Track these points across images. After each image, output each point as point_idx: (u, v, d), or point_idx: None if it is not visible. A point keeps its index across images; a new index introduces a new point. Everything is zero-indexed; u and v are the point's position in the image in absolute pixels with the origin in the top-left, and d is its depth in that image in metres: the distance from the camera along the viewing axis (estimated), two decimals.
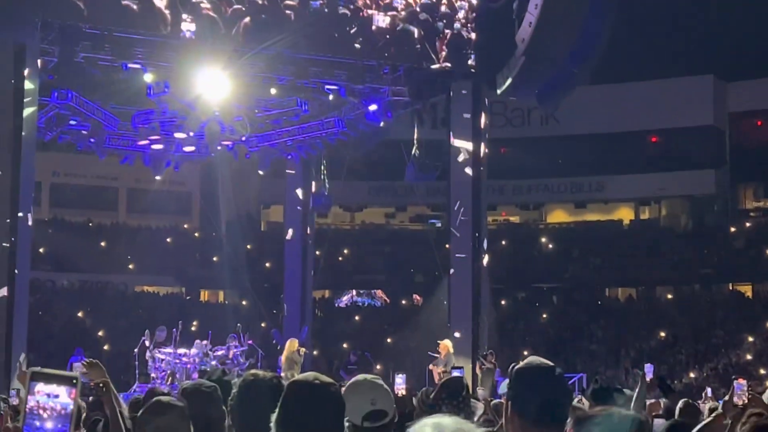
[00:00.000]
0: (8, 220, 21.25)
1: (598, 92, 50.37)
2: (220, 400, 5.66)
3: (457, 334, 26.16)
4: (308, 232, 34.28)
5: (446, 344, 25.43)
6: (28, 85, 21.67)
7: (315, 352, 33.49)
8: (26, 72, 21.68)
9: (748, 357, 40.33)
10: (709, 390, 21.07)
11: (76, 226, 52.99)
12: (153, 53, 23.91)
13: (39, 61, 22.39)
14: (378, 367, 30.95)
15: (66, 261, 48.30)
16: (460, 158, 26.31)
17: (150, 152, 31.61)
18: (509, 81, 25.10)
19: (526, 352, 40.73)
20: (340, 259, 52.28)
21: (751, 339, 41.49)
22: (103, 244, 52.01)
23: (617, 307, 48.53)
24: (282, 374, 24.24)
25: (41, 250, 44.65)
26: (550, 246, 53.12)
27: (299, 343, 27.38)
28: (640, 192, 54.97)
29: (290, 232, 34.58)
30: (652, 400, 10.72)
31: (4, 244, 21.13)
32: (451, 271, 26.73)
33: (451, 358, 25.59)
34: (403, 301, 50.09)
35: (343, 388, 4.85)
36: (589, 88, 45.22)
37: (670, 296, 49.00)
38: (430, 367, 25.45)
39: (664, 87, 52.48)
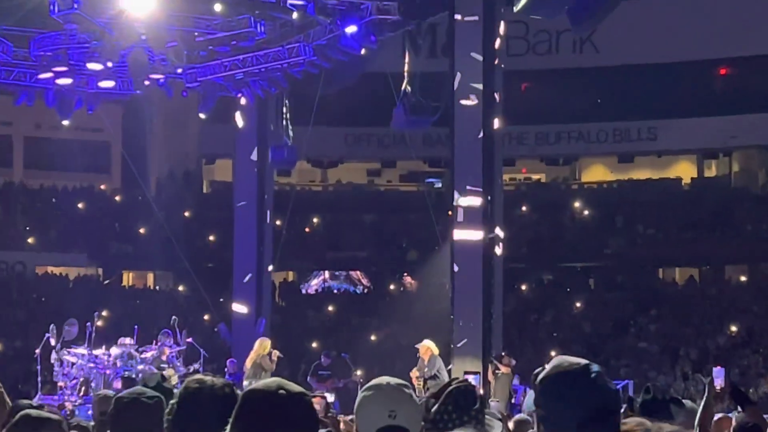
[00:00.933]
0: None
1: (649, 8, 50.24)
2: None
3: (462, 329, 26.24)
4: (265, 195, 34.26)
5: (427, 345, 25.63)
6: None
7: (275, 353, 33.54)
8: None
9: None
10: None
11: None
12: None
13: None
14: (358, 372, 30.97)
15: None
16: (467, 98, 26.30)
17: (55, 89, 31.52)
18: None
19: (553, 353, 40.90)
20: (308, 230, 52.35)
21: None
22: None
23: (674, 293, 48.66)
24: (244, 383, 24.40)
25: None
26: (586, 213, 53.19)
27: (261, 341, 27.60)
28: (704, 141, 54.93)
29: (241, 197, 34.61)
30: (721, 415, 10.80)
31: None
32: (455, 245, 26.76)
33: (436, 361, 25.74)
34: (391, 286, 50.21)
35: (360, 393, 4.84)
36: (637, 3, 45.17)
37: (743, 278, 49.16)
38: (411, 374, 25.65)
39: (737, 1, 52.40)
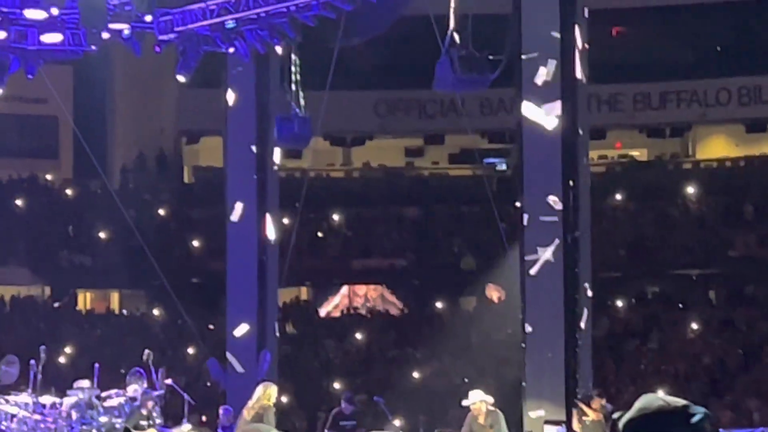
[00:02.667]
0: None
1: None
2: None
3: (536, 362, 26.33)
4: (268, 184, 34.42)
5: (481, 400, 25.86)
6: None
7: (284, 399, 33.72)
8: None
9: None
10: None
11: None
12: None
13: None
14: (396, 422, 31.10)
15: None
16: (539, 48, 26.38)
17: None
18: None
19: (661, 392, 40.91)
20: (326, 232, 52.54)
21: None
22: None
23: None
24: None
25: None
26: (703, 201, 53.20)
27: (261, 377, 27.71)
28: None
29: (235, 187, 34.77)
30: None
31: None
32: (525, 249, 26.85)
33: (499, 419, 25.90)
34: (439, 304, 50.25)
35: None
36: None
37: None
38: None
39: None
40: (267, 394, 26.74)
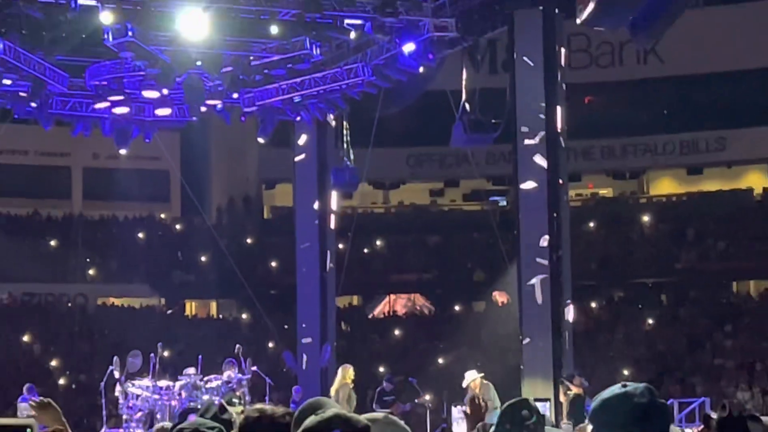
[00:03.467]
0: None
1: (714, 17, 50.06)
2: None
3: (531, 351, 26.17)
4: (327, 219, 34.30)
5: (474, 381, 25.72)
6: None
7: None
8: None
9: None
10: None
11: (17, 221, 53.38)
12: None
13: None
14: (427, 397, 30.97)
15: (5, 268, 48.62)
16: (529, 110, 26.27)
17: (111, 118, 31.75)
18: (592, 5, 25.01)
19: (626, 372, 40.70)
20: (372, 253, 52.40)
21: None
22: (53, 243, 52.41)
23: (749, 307, 48.25)
24: None
25: None
26: (656, 227, 52.94)
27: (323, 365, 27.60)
28: None
29: (302, 221, 34.63)
30: None
31: None
32: (521, 264, 26.71)
33: (489, 389, 25.72)
34: (457, 307, 50.12)
35: None
36: (700, 12, 44.99)
37: None
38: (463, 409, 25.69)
39: None
40: (343, 375, 26.64)
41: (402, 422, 4.77)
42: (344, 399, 25.96)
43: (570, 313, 27.43)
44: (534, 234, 26.44)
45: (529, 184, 26.47)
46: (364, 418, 4.49)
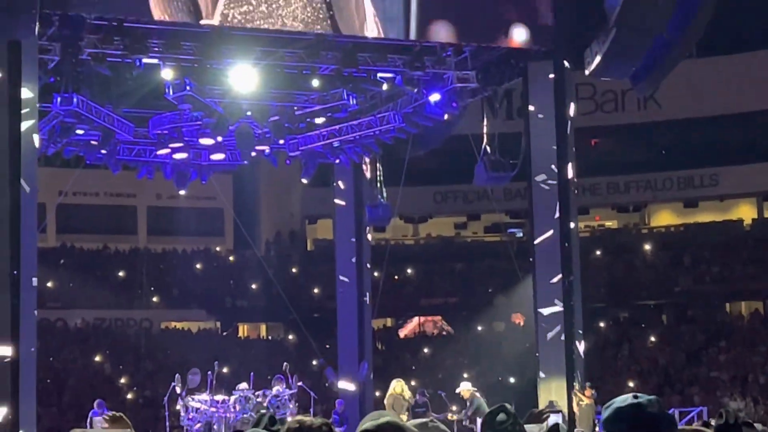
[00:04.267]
0: (9, 251, 21.41)
1: (706, 67, 49.94)
2: None
3: (546, 365, 26.03)
4: (363, 250, 34.25)
5: (466, 389, 25.83)
6: (26, 93, 21.72)
7: (377, 393, 33.47)
8: (23, 75, 21.73)
9: None
10: None
11: (89, 255, 53.54)
12: (171, 45, 24.12)
13: (38, 60, 22.56)
14: (453, 407, 30.84)
15: (78, 296, 48.78)
16: (542, 152, 26.20)
17: (172, 163, 31.85)
18: (598, 58, 24.95)
19: (631, 383, 40.48)
20: (403, 280, 52.30)
21: None
22: (121, 274, 52.51)
23: (741, 325, 48.01)
24: None
25: (49, 284, 45.12)
26: (656, 254, 52.73)
27: (361, 380, 27.47)
28: (763, 185, 54.25)
29: (341, 252, 34.57)
30: None
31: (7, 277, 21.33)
32: (537, 287, 26.61)
33: (477, 401, 25.70)
34: (479, 327, 49.95)
35: None
36: (694, 63, 44.95)
37: None
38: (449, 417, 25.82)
39: None
40: (398, 386, 26.51)
41: (444, 426, 4.77)
42: (389, 406, 25.86)
43: (581, 331, 27.27)
44: (548, 262, 26.32)
45: (542, 219, 26.38)
46: (411, 424, 4.50)
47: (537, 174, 26.27)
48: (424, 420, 4.73)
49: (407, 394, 27.23)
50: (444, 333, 52.94)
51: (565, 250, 26.17)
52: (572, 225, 26.78)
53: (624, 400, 4.13)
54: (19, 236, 21.42)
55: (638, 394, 4.15)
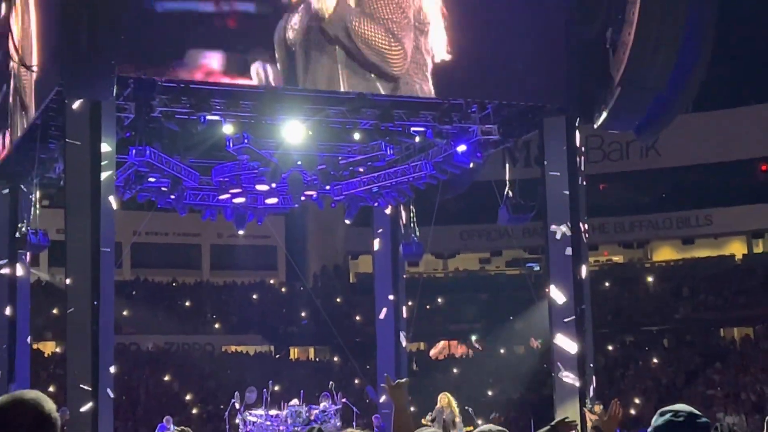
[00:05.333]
0: (90, 284, 21.51)
1: (701, 120, 49.88)
2: None
3: (561, 384, 25.85)
4: (399, 282, 34.17)
5: (445, 396, 25.64)
6: (105, 147, 21.88)
7: (413, 408, 33.32)
8: (103, 132, 21.89)
9: None
10: None
11: (160, 287, 53.78)
12: (231, 104, 24.24)
13: (115, 118, 22.70)
14: (479, 421, 30.68)
15: (150, 323, 48.97)
16: (557, 197, 26.11)
17: (232, 206, 31.95)
18: (605, 114, 24.89)
19: (637, 400, 40.20)
20: (434, 308, 52.22)
21: None
22: (187, 303, 52.70)
23: (734, 348, 47.66)
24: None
25: (124, 312, 45.31)
26: (658, 286, 52.52)
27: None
28: (752, 224, 54.12)
29: (380, 284, 34.52)
30: None
31: (87, 307, 21.40)
32: (552, 314, 26.45)
33: (443, 411, 25.49)
34: (502, 350, 49.77)
35: None
36: (690, 116, 44.91)
37: None
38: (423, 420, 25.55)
39: None
40: (440, 400, 26.31)
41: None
42: (440, 420, 25.66)
43: (592, 354, 27.05)
44: (562, 293, 26.19)
45: (557, 254, 26.25)
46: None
47: (552, 215, 26.13)
48: (485, 427, 4.70)
49: (454, 407, 26.87)
50: (470, 355, 52.71)
51: (577, 282, 26.01)
52: (583, 260, 26.64)
53: (665, 416, 4.04)
54: (100, 271, 21.53)
55: (674, 409, 4.07)
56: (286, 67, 23.11)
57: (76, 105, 21.82)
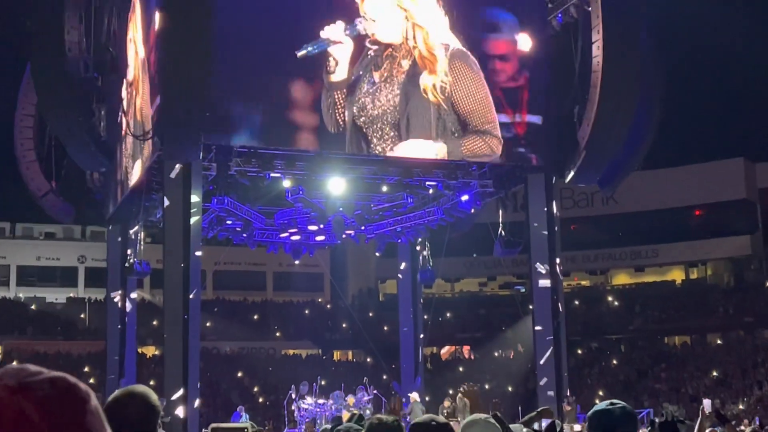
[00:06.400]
0: (182, 302, 21.65)
1: (649, 176, 49.74)
2: None
3: (542, 380, 25.65)
4: (417, 301, 34.10)
5: (413, 396, 25.47)
6: (194, 197, 22.10)
7: (427, 398, 33.11)
8: (192, 186, 22.11)
9: None
10: (757, 419, 20.22)
11: (234, 304, 53.81)
12: (289, 165, 24.39)
13: (201, 175, 22.90)
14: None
15: (227, 332, 48.98)
16: (539, 235, 26.07)
17: (290, 242, 32.04)
18: (574, 172, 24.90)
19: (601, 393, 39.80)
20: (444, 321, 52.04)
21: None
22: (255, 317, 52.71)
23: (675, 352, 47.25)
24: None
25: (208, 324, 45.37)
26: (616, 303, 52.22)
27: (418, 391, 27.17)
28: (688, 256, 53.88)
29: (403, 303, 34.39)
30: (710, 430, 10.35)
31: (183, 318, 21.53)
32: (536, 327, 26.32)
33: (416, 406, 25.24)
34: (496, 354, 49.45)
35: (458, 427, 4.68)
36: (641, 173, 44.74)
37: (719, 342, 47.56)
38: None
39: (703, 169, 51.86)
40: (459, 395, 26.05)
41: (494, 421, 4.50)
42: (462, 408, 25.43)
43: (564, 357, 26.84)
44: (542, 309, 26.05)
45: (539, 280, 26.14)
46: (467, 421, 4.37)
47: (535, 248, 26.01)
48: (481, 415, 4.52)
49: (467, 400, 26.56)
50: (472, 357, 52.42)
51: (554, 300, 25.91)
52: (558, 283, 26.50)
53: (604, 404, 4.05)
54: (189, 292, 21.65)
55: (614, 401, 4.07)
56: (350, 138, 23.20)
57: (172, 166, 22.06)
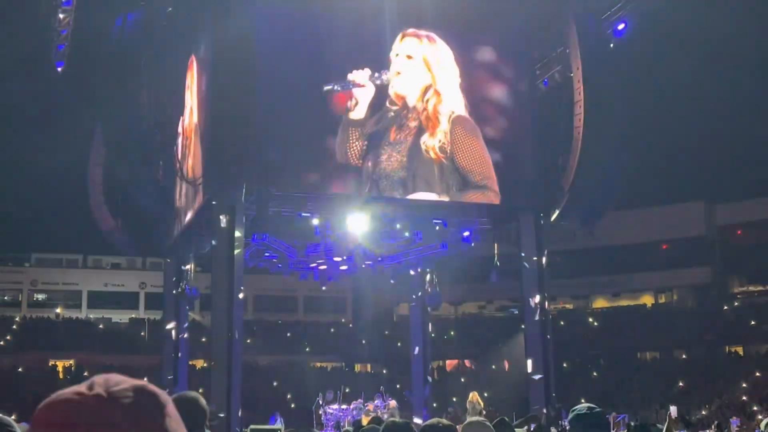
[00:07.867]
0: (227, 323, 21.67)
1: (624, 215, 49.58)
2: None
3: (534, 388, 25.44)
4: (426, 321, 33.94)
5: (392, 403, 25.19)
6: (237, 233, 22.25)
7: (435, 404, 32.82)
8: (236, 224, 22.28)
9: (744, 398, 38.33)
10: (716, 423, 19.94)
11: (271, 324, 53.70)
12: (317, 206, 24.51)
13: (244, 215, 23.05)
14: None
15: (265, 347, 48.83)
16: (529, 266, 26.02)
17: (318, 271, 32.03)
18: (558, 212, 24.92)
19: (583, 400, 39.34)
20: (448, 338, 51.75)
21: (744, 385, 39.64)
22: (288, 335, 52.53)
23: (647, 366, 46.82)
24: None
25: (248, 340, 45.29)
26: (596, 324, 51.84)
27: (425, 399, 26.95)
28: (657, 284, 53.64)
29: (413, 323, 34.21)
30: None
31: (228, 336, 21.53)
32: (527, 343, 26.16)
33: (394, 412, 24.97)
34: (493, 366, 49.04)
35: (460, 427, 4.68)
36: (615, 213, 44.68)
37: (684, 357, 47.13)
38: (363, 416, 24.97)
39: (670, 210, 51.85)
40: (471, 396, 25.74)
41: (489, 424, 4.47)
42: (472, 411, 25.14)
43: (552, 370, 26.60)
44: (532, 327, 25.90)
45: (530, 302, 26.03)
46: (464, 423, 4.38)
47: (527, 277, 25.89)
48: (476, 418, 4.54)
49: (480, 401, 26.20)
50: (473, 369, 52.01)
51: (543, 321, 25.78)
52: (547, 307, 26.36)
53: (581, 407, 4.07)
54: (233, 313, 21.71)
55: (591, 405, 4.09)
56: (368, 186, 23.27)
57: (219, 208, 22.25)
